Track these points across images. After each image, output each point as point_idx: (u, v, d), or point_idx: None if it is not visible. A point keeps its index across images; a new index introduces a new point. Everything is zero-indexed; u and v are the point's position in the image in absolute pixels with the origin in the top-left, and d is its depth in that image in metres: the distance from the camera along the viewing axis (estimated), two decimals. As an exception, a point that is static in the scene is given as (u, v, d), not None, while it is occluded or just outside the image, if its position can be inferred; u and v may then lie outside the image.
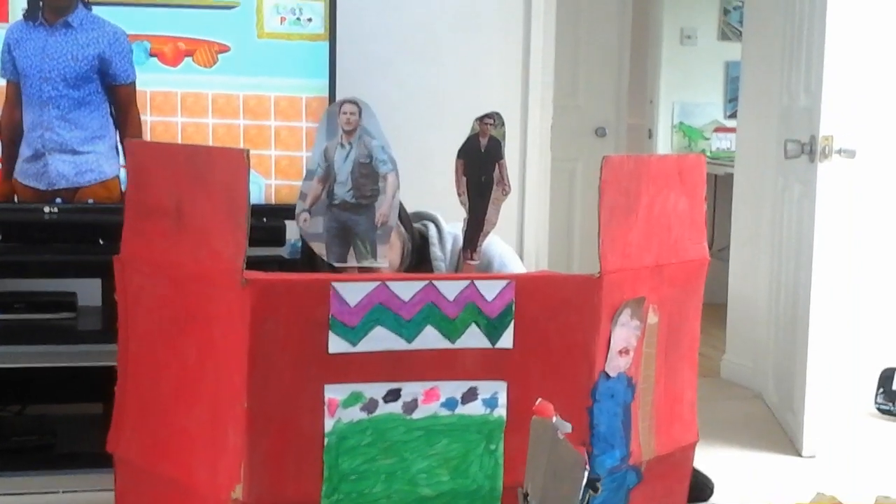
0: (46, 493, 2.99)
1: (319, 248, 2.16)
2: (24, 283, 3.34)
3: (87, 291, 3.32)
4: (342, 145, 2.16)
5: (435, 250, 2.57)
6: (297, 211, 2.17)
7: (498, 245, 2.61)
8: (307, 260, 2.52)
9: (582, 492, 1.50)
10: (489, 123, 2.19)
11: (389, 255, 2.42)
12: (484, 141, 2.19)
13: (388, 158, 2.16)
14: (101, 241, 3.16)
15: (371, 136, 2.16)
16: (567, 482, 1.46)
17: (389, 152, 2.16)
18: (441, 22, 3.97)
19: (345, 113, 2.16)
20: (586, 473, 1.45)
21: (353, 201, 2.16)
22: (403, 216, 2.51)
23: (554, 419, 1.56)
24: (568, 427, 1.53)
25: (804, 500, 1.97)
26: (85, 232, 3.18)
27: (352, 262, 2.15)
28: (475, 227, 2.22)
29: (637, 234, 2.11)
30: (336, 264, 2.16)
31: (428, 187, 2.39)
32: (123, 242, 2.14)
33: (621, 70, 6.16)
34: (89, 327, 3.21)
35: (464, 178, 2.20)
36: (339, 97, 3.30)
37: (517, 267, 2.64)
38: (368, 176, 2.15)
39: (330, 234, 2.15)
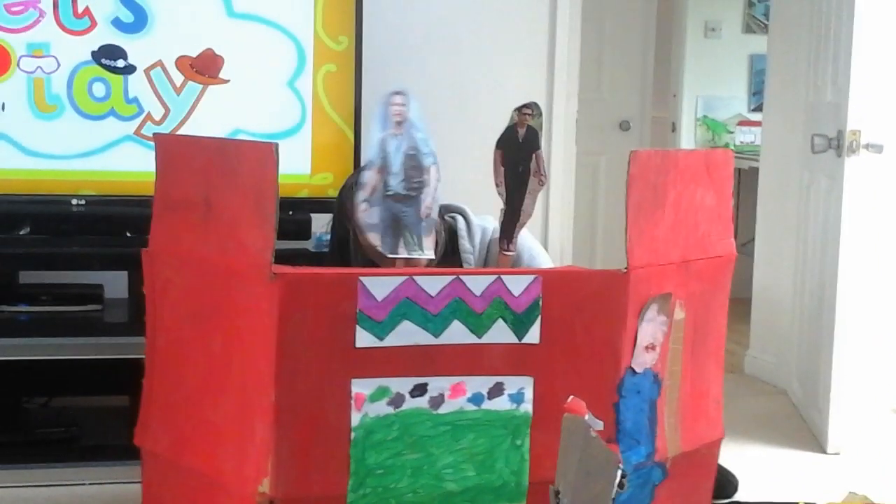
0: (72, 484, 3.01)
1: (375, 239, 2.16)
2: (51, 275, 3.37)
3: (114, 284, 3.34)
4: (395, 136, 2.16)
5: (464, 243, 2.57)
6: (356, 200, 2.17)
7: (527, 238, 2.61)
8: (336, 253, 2.52)
9: (610, 488, 1.50)
10: (528, 114, 2.18)
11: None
12: (522, 131, 2.19)
13: (430, 151, 2.16)
14: (129, 234, 3.17)
15: (416, 128, 2.16)
16: (600, 480, 1.46)
17: (431, 145, 2.17)
18: (466, 16, 3.97)
19: (395, 104, 2.16)
20: (619, 471, 1.45)
21: (404, 192, 2.16)
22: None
23: (586, 417, 1.56)
24: (600, 424, 1.53)
25: (833, 498, 1.96)
26: (112, 224, 3.19)
27: (402, 252, 2.16)
28: (511, 218, 2.22)
29: (664, 230, 2.10)
30: (389, 255, 2.17)
31: (453, 180, 2.39)
32: (151, 235, 2.14)
33: (645, 63, 6.14)
34: (116, 320, 3.23)
35: (501, 169, 2.20)
36: (364, 91, 3.32)
37: (545, 261, 2.64)
38: (416, 168, 2.16)
39: (384, 225, 2.16)
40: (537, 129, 2.19)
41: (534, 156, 2.19)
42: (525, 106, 2.18)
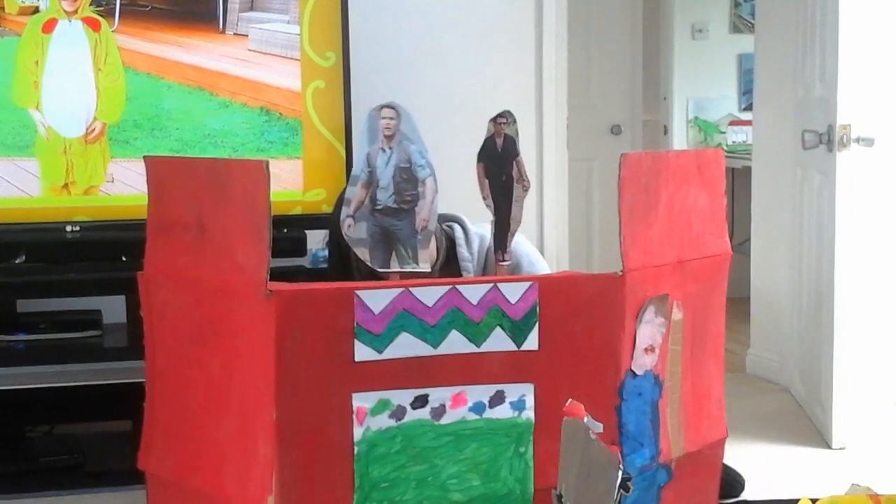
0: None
1: (363, 254, 2.16)
2: (48, 303, 3.36)
3: (112, 309, 3.34)
4: (383, 150, 2.16)
5: (462, 251, 2.57)
6: (341, 217, 2.17)
7: (524, 245, 2.61)
8: (338, 267, 2.52)
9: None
10: (503, 122, 2.18)
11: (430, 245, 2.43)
12: (500, 141, 2.19)
13: (426, 163, 2.15)
14: (124, 258, 3.17)
15: (410, 140, 2.16)
16: (601, 482, 1.46)
17: (427, 157, 2.16)
18: (453, 27, 3.98)
19: (384, 118, 2.16)
20: (620, 473, 1.45)
21: (395, 206, 2.16)
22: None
23: (585, 419, 1.56)
24: (599, 427, 1.53)
25: (838, 492, 1.96)
26: (107, 249, 3.19)
27: (395, 266, 2.15)
28: (503, 228, 2.22)
29: (658, 231, 2.10)
30: (379, 270, 2.16)
31: (445, 191, 2.39)
32: (146, 258, 2.14)
33: (634, 67, 6.15)
34: (115, 344, 3.22)
35: (486, 181, 2.19)
36: (353, 103, 3.32)
37: (544, 267, 2.64)
38: (409, 181, 2.15)
39: (373, 240, 2.15)
40: (514, 136, 2.19)
41: (514, 163, 2.19)
42: (499, 115, 2.18)
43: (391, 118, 2.16)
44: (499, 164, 2.19)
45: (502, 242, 2.22)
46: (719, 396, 2.34)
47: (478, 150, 2.19)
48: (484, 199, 2.20)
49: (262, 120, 3.32)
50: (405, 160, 2.16)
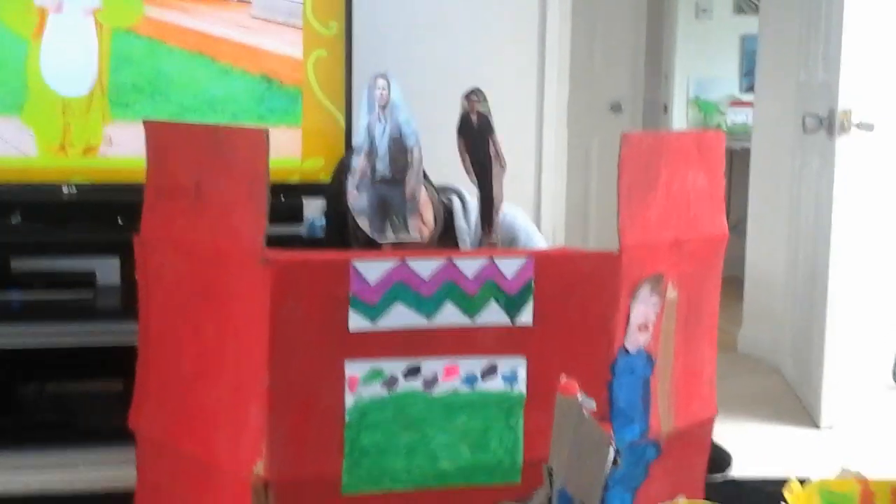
0: (66, 468, 3.02)
1: (365, 224, 2.17)
2: (43, 262, 3.36)
3: (106, 270, 3.34)
4: (380, 120, 2.16)
5: (460, 223, 2.58)
6: (347, 187, 2.17)
7: (522, 219, 2.61)
8: (335, 236, 2.52)
9: (603, 467, 1.50)
10: (475, 100, 2.18)
11: (426, 215, 2.43)
12: (474, 118, 2.19)
13: (412, 132, 2.15)
14: (120, 221, 3.17)
15: (399, 109, 2.16)
16: (593, 459, 1.47)
17: (413, 125, 2.16)
18: (456, -3, 3.97)
19: (378, 88, 2.16)
20: (612, 451, 1.46)
21: (390, 176, 2.16)
22: (430, 186, 2.53)
23: (579, 397, 1.57)
24: (592, 404, 1.53)
25: (825, 472, 1.97)
26: (104, 211, 3.19)
27: (390, 236, 2.15)
28: (487, 204, 2.22)
29: (656, 211, 2.11)
30: (378, 239, 2.17)
31: (444, 164, 2.39)
32: (143, 221, 2.14)
33: (637, 45, 6.14)
34: (108, 305, 3.23)
35: (467, 156, 2.20)
36: (354, 72, 3.31)
37: (540, 241, 2.65)
38: (400, 150, 2.16)
39: (372, 209, 2.16)
40: (486, 114, 2.18)
41: (490, 141, 2.19)
42: (471, 92, 2.17)
43: (383, 88, 2.16)
44: (476, 141, 2.19)
45: (488, 219, 2.23)
46: (711, 376, 2.35)
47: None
48: (467, 173, 2.20)
49: (263, 87, 3.31)
50: (396, 129, 2.16)
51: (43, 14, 3.14)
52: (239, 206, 1.94)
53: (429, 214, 2.48)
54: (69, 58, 3.17)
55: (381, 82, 2.15)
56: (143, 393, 2.17)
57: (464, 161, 2.19)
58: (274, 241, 1.91)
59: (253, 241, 1.89)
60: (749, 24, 6.10)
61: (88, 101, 3.18)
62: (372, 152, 2.15)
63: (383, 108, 2.15)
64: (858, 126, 3.52)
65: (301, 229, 3.30)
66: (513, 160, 2.22)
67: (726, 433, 3.00)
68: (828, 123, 3.60)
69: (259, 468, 1.91)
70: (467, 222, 2.59)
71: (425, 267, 1.95)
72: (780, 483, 1.86)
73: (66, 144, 3.18)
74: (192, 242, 2.05)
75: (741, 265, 4.70)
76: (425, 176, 2.46)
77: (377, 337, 1.94)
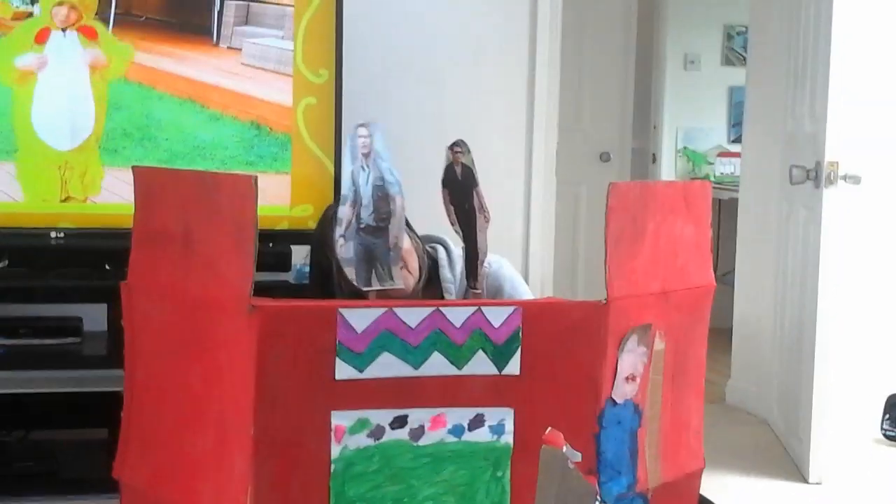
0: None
1: (352, 273, 2.16)
2: (29, 308, 3.35)
3: (93, 317, 3.32)
4: (363, 168, 2.16)
5: (445, 272, 2.57)
6: (335, 237, 2.17)
7: (508, 269, 2.61)
8: (318, 285, 2.52)
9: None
10: (458, 151, 2.19)
11: (410, 263, 2.42)
12: (458, 169, 2.19)
13: (395, 180, 2.16)
14: (108, 267, 3.16)
15: (382, 158, 2.16)
16: (578, 512, 1.46)
17: (396, 174, 2.17)
18: (446, 47, 3.99)
19: (360, 136, 2.16)
20: (597, 503, 1.45)
21: (374, 224, 2.16)
22: (414, 235, 2.53)
23: (564, 448, 1.56)
24: (578, 456, 1.52)
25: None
26: (91, 257, 3.18)
27: (375, 285, 2.15)
28: (472, 256, 2.23)
29: (643, 261, 2.11)
30: (364, 288, 2.17)
31: (432, 213, 2.40)
32: (130, 268, 2.13)
33: (625, 95, 6.18)
34: (94, 352, 3.21)
35: (451, 207, 2.20)
36: (344, 121, 3.33)
37: (526, 292, 2.64)
38: (383, 199, 2.16)
39: (358, 258, 2.16)
40: (470, 165, 2.19)
41: (474, 193, 2.20)
42: (455, 144, 2.18)
43: (365, 136, 2.17)
44: (460, 192, 2.19)
45: (473, 271, 2.23)
46: (698, 428, 2.34)
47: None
48: (451, 224, 2.20)
49: (252, 134, 3.32)
50: (379, 178, 2.16)
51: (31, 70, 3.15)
52: (226, 253, 1.93)
53: (413, 263, 2.48)
54: (63, 112, 3.17)
55: (362, 131, 2.16)
56: (127, 441, 2.15)
57: (448, 213, 2.20)
58: (261, 289, 1.90)
59: (240, 289, 1.88)
60: (737, 75, 6.15)
61: (83, 153, 3.18)
62: (357, 201, 2.15)
63: (366, 156, 2.15)
64: (845, 178, 3.54)
65: (289, 277, 3.29)
66: (501, 209, 2.23)
67: (714, 486, 2.99)
68: (815, 175, 3.62)
69: (243, 518, 1.89)
70: (452, 272, 2.59)
71: (413, 315, 1.94)
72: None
73: (69, 198, 3.18)
74: (179, 289, 2.04)
75: (729, 316, 4.70)
76: (409, 225, 2.46)
77: (364, 386, 1.93)
